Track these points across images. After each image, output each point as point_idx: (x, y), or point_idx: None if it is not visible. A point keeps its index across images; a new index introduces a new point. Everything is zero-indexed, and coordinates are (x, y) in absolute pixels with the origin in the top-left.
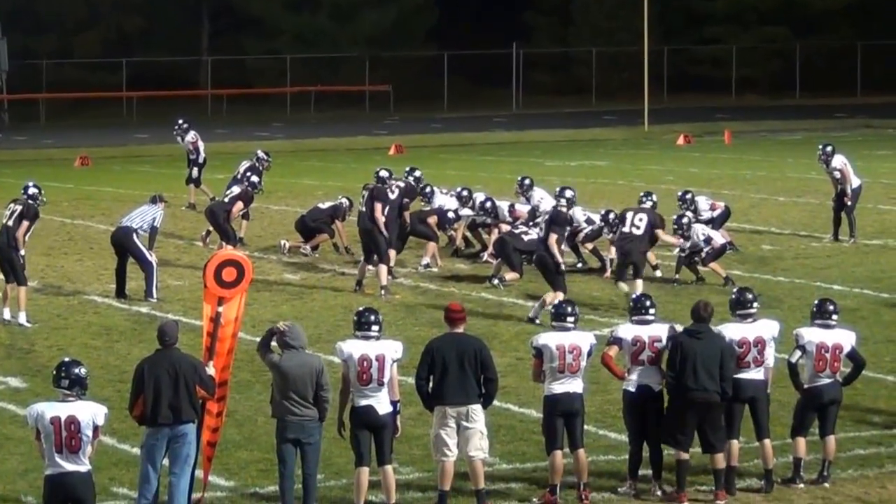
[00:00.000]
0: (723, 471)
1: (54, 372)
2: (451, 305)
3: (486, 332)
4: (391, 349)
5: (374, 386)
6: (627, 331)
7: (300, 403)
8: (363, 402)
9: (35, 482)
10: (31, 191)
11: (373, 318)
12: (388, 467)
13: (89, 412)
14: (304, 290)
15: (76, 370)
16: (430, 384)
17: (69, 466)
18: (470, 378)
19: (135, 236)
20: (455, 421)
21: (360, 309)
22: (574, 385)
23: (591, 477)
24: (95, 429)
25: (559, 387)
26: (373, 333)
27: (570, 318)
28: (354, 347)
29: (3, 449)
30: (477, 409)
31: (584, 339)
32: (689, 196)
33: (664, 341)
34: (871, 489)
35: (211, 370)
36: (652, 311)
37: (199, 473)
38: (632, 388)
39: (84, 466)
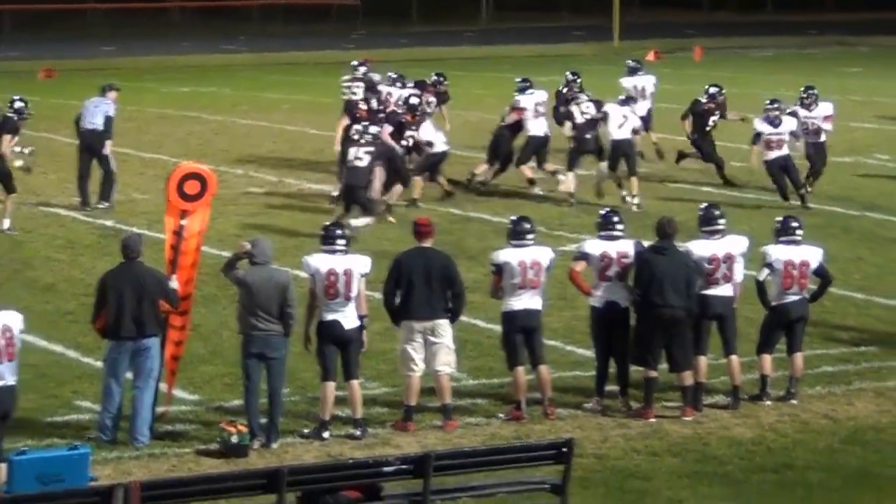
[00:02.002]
0: (690, 388)
1: None
2: (419, 220)
3: (452, 246)
4: (359, 263)
5: (341, 300)
6: (595, 246)
7: (265, 318)
8: (330, 317)
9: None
10: (17, 105)
11: (339, 231)
12: (355, 382)
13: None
14: (270, 205)
15: None
16: (398, 299)
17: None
18: (437, 293)
19: (107, 141)
20: (422, 336)
21: (327, 223)
22: (533, 301)
23: (557, 393)
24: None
25: (518, 303)
26: (339, 247)
27: (529, 236)
28: (321, 262)
29: None
30: (444, 325)
31: (544, 255)
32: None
33: (631, 257)
34: (838, 406)
35: (174, 284)
36: (620, 227)
37: (164, 387)
38: (598, 305)
39: (10, 381)
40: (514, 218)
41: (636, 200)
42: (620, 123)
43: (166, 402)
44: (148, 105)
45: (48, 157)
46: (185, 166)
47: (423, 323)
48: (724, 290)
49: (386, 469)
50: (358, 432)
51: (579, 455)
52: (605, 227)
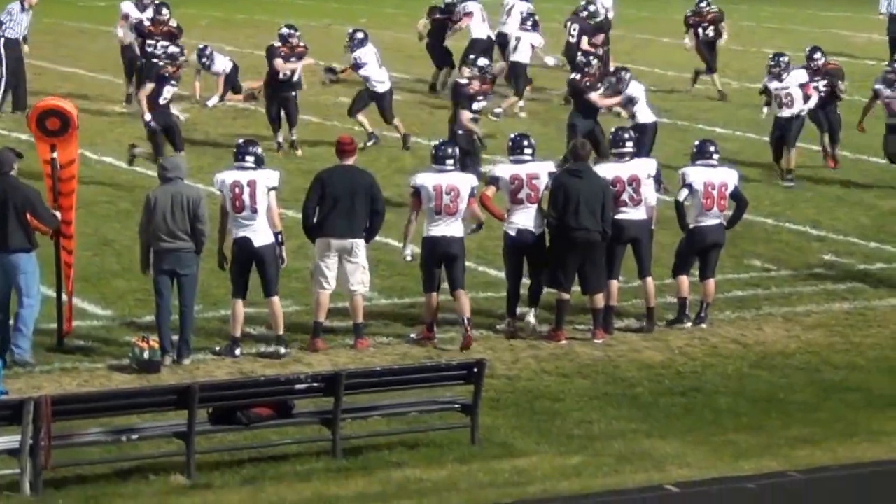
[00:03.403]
0: (601, 310)
1: None
2: (341, 138)
3: (370, 166)
4: (264, 176)
5: (248, 213)
6: (505, 170)
7: (176, 235)
8: (240, 233)
9: None
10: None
11: (250, 148)
12: (275, 298)
13: None
14: (187, 124)
15: None
16: (317, 216)
17: None
18: (358, 212)
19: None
20: (337, 255)
21: (240, 140)
22: (452, 228)
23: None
24: None
25: (436, 229)
26: (248, 164)
27: (450, 161)
28: (228, 175)
29: None
30: (360, 244)
31: (463, 181)
32: None
33: (542, 178)
34: (747, 331)
35: (56, 213)
36: (528, 150)
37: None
38: (512, 233)
39: None
40: (436, 142)
41: None
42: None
43: (68, 314)
44: (66, 18)
45: None
46: (44, 103)
47: (340, 241)
48: (636, 214)
49: (297, 387)
50: (282, 349)
51: (490, 376)
52: (514, 150)
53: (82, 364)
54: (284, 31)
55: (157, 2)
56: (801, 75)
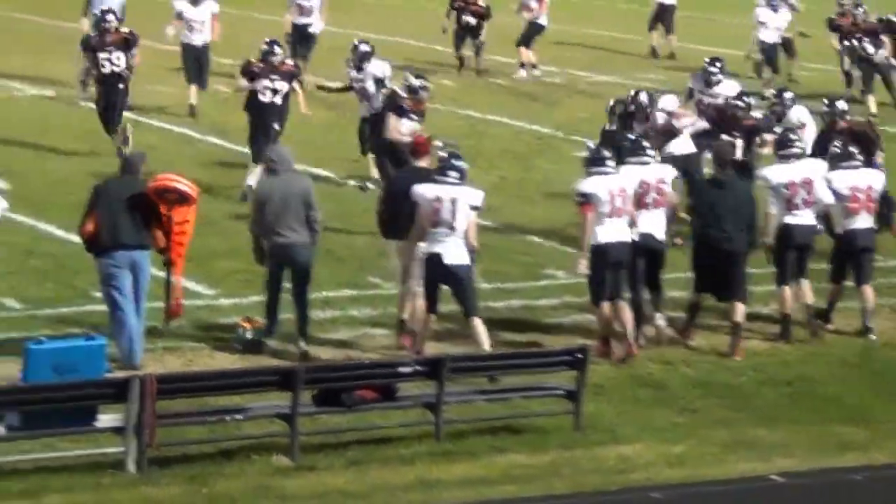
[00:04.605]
0: (741, 324)
1: None
2: (416, 138)
3: (470, 151)
4: (468, 193)
5: (446, 230)
6: (630, 172)
7: (290, 227)
8: (433, 249)
9: (15, 284)
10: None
11: (454, 163)
12: (476, 319)
13: None
14: None
15: None
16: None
17: None
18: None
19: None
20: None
21: (444, 154)
22: (623, 232)
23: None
24: None
25: (604, 235)
26: (451, 179)
27: (610, 162)
28: (428, 189)
29: None
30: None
31: (628, 182)
32: None
33: (668, 182)
34: (855, 321)
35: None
36: (651, 151)
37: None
38: (634, 237)
39: None
40: (590, 145)
41: None
42: None
43: (177, 300)
44: None
45: (61, 45)
46: (165, 181)
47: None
48: (806, 219)
49: (402, 370)
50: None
51: (594, 362)
52: (635, 152)
53: (186, 344)
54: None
55: (104, 8)
56: None
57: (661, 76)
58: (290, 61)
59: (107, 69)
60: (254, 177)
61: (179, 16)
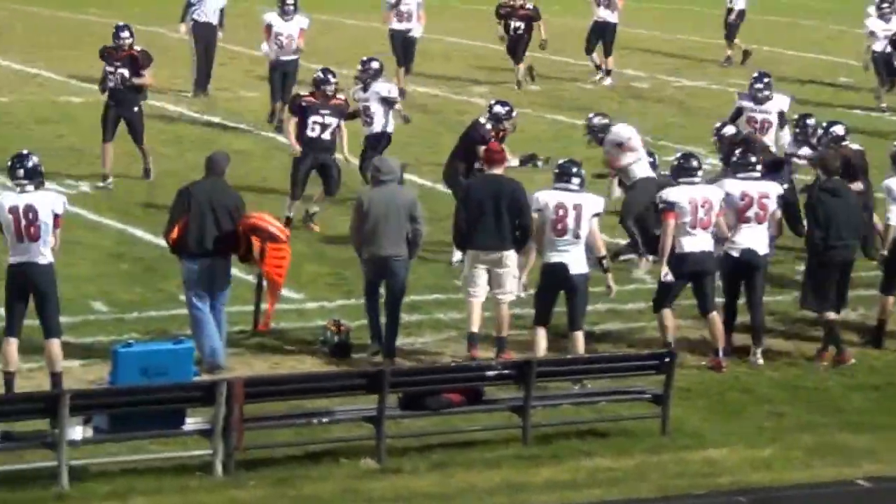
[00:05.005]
0: (836, 329)
1: (9, 163)
2: (491, 145)
3: (559, 155)
4: (590, 200)
5: (570, 238)
6: (734, 186)
7: (391, 241)
8: (556, 259)
9: (104, 287)
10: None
11: (574, 169)
12: (579, 333)
13: (48, 200)
14: None
15: (30, 161)
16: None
17: (29, 257)
18: (504, 222)
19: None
20: (486, 265)
21: (562, 161)
22: (704, 242)
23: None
24: (56, 217)
25: (689, 244)
26: (573, 186)
27: (699, 172)
28: (550, 196)
29: (73, 254)
30: (509, 255)
31: (715, 194)
32: None
33: (773, 198)
34: None
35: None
36: (759, 166)
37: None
38: (735, 253)
39: (45, 259)
40: (680, 154)
41: None
42: None
43: (266, 318)
44: (257, 2)
45: (156, 51)
46: (254, 220)
47: (488, 254)
48: None
49: (488, 374)
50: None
51: (680, 366)
52: (743, 167)
53: (273, 347)
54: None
55: (119, 24)
56: None
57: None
58: (341, 96)
59: (112, 84)
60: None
61: (269, 28)
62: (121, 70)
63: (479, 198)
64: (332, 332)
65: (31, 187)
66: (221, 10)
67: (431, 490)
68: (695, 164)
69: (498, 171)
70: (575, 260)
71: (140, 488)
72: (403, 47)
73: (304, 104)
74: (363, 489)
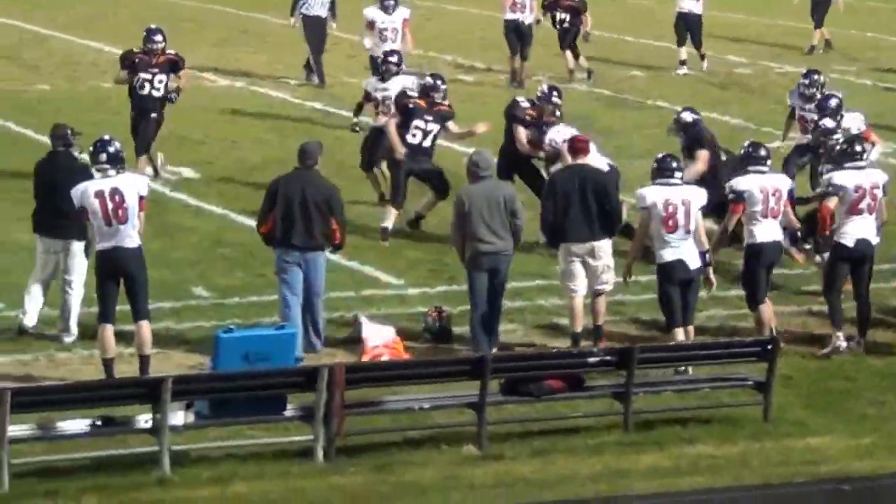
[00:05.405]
0: None
1: (91, 149)
2: (577, 136)
3: (661, 141)
4: (696, 194)
5: (682, 234)
6: (847, 178)
7: (495, 234)
8: (674, 256)
9: (205, 272)
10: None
11: (675, 164)
12: (689, 328)
13: (132, 183)
14: (477, 94)
15: (112, 146)
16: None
17: (118, 241)
18: (593, 212)
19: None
20: (581, 258)
21: (662, 155)
22: (776, 232)
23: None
24: (140, 199)
25: (761, 233)
26: (675, 181)
27: (768, 161)
28: (658, 193)
29: (175, 238)
30: (602, 245)
31: (783, 181)
32: None
33: (881, 188)
34: None
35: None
36: (866, 155)
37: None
38: (848, 243)
39: (133, 241)
40: (749, 142)
41: None
42: None
43: None
44: None
45: (258, 37)
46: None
47: (581, 245)
48: None
49: (590, 360)
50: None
51: (783, 353)
52: (850, 157)
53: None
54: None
55: (152, 27)
56: None
57: (851, 67)
58: (447, 102)
59: (145, 91)
60: (389, 219)
61: (371, 25)
62: (159, 76)
63: (566, 189)
64: (433, 318)
65: (113, 172)
66: (332, 1)
67: (533, 476)
68: (763, 153)
69: (582, 160)
70: (690, 255)
71: (241, 474)
72: (518, 36)
73: (410, 105)
74: (464, 475)
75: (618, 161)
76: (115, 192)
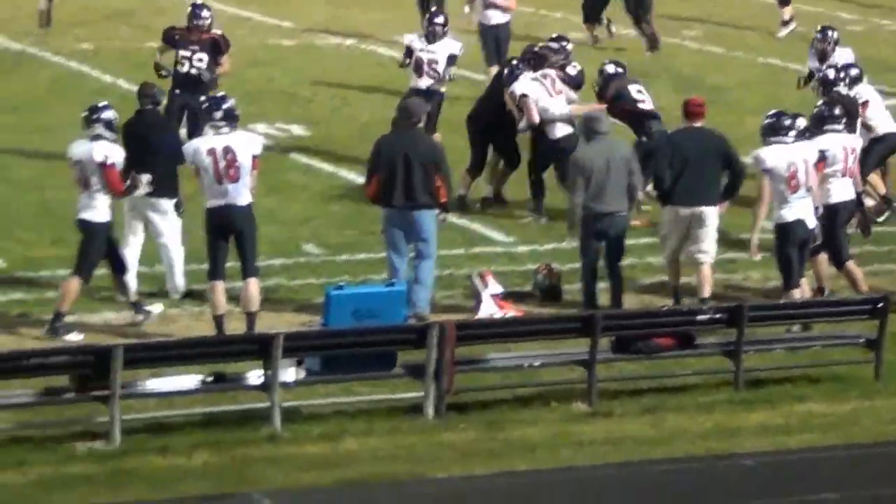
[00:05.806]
0: None
1: (205, 106)
2: (692, 99)
3: (769, 99)
4: (813, 152)
5: (803, 193)
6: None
7: (614, 196)
8: (796, 217)
9: (316, 229)
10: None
11: (788, 122)
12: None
13: (245, 141)
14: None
15: (226, 103)
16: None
17: (228, 199)
18: (707, 177)
19: None
20: (686, 222)
21: (775, 111)
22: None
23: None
24: (253, 158)
25: (790, 213)
26: (789, 139)
27: (791, 132)
28: (782, 154)
29: (286, 196)
30: (710, 211)
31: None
32: None
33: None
34: None
35: None
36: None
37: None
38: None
39: (244, 199)
40: (822, 101)
41: None
42: None
43: None
44: None
45: None
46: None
47: (689, 209)
48: None
49: (699, 318)
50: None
51: (894, 311)
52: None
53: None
54: None
55: (198, 2)
56: None
57: None
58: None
59: (184, 68)
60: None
61: (409, 53)
62: (199, 54)
63: (684, 153)
64: (543, 275)
65: (226, 129)
66: None
67: (642, 434)
68: (838, 111)
69: (698, 123)
70: (809, 214)
71: (351, 430)
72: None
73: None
74: (573, 432)
75: (729, 117)
76: (227, 150)
